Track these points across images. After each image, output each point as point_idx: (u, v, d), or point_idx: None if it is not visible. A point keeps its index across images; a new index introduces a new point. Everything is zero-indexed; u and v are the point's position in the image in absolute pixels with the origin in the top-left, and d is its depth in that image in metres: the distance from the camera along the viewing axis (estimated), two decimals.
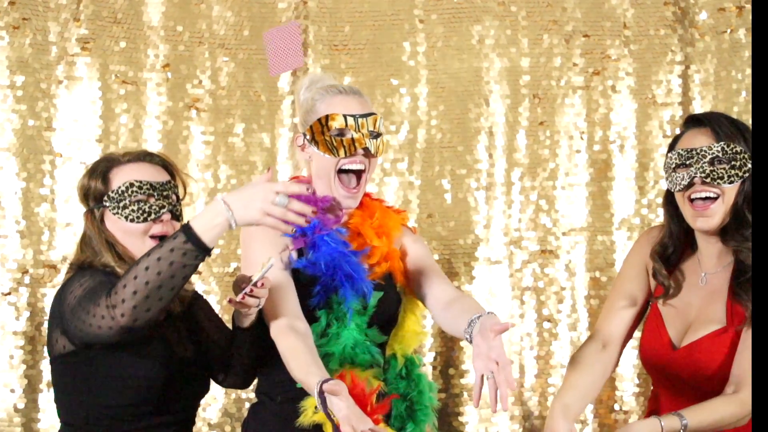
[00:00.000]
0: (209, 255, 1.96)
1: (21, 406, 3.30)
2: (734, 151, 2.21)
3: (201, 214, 1.94)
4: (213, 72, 3.51)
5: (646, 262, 2.40)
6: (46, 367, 3.28)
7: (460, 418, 3.52)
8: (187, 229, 1.92)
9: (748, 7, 3.49)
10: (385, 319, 2.25)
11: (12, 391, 3.30)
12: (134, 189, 2.20)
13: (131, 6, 3.45)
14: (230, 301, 2.03)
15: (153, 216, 2.21)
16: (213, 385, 3.43)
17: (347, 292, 2.13)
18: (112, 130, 3.43)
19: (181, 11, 3.49)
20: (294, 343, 2.04)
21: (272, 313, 2.11)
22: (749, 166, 2.22)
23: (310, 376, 1.96)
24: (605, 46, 3.56)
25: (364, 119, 2.21)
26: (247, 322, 2.17)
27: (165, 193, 2.24)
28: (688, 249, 2.37)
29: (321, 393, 1.90)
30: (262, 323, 2.16)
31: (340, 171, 2.21)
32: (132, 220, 2.20)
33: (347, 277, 2.13)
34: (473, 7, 3.55)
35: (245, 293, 1.99)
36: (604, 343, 2.37)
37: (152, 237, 2.22)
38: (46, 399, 3.28)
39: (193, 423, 2.32)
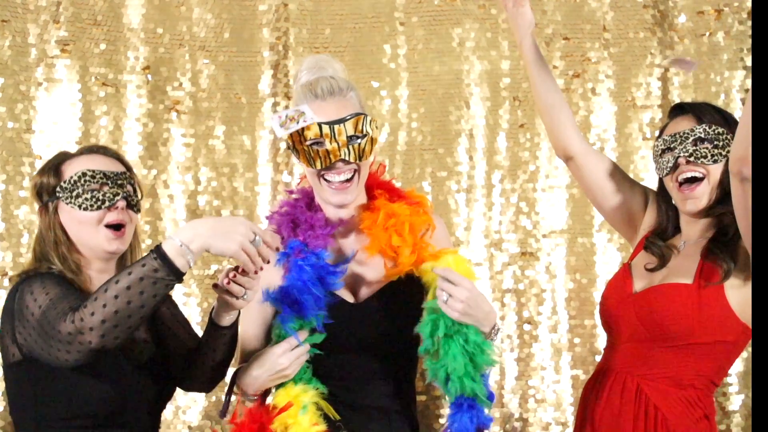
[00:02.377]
0: (181, 282, 1.89)
1: (0, 409, 3.29)
2: (716, 132, 2.28)
3: (173, 238, 1.86)
4: (193, 74, 3.51)
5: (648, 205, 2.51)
6: None
7: (441, 420, 3.52)
8: (159, 256, 1.84)
9: (727, 10, 3.51)
10: (377, 336, 2.16)
11: None
12: (87, 178, 2.15)
13: (111, 8, 3.44)
14: (215, 286, 2.01)
15: (107, 203, 2.15)
16: (194, 392, 3.46)
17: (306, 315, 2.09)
18: (92, 133, 3.43)
19: (162, 13, 3.48)
20: None
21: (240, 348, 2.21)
22: None
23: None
24: (585, 49, 3.57)
25: (341, 125, 2.09)
26: (227, 320, 2.12)
27: (119, 182, 2.18)
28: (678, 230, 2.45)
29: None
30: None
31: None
32: (85, 209, 2.13)
33: (306, 305, 2.09)
34: (453, 10, 3.56)
35: (228, 278, 1.98)
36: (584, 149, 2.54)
37: (107, 226, 2.16)
38: None
39: (158, 426, 2.25)
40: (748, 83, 3.51)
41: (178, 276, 1.85)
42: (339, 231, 2.22)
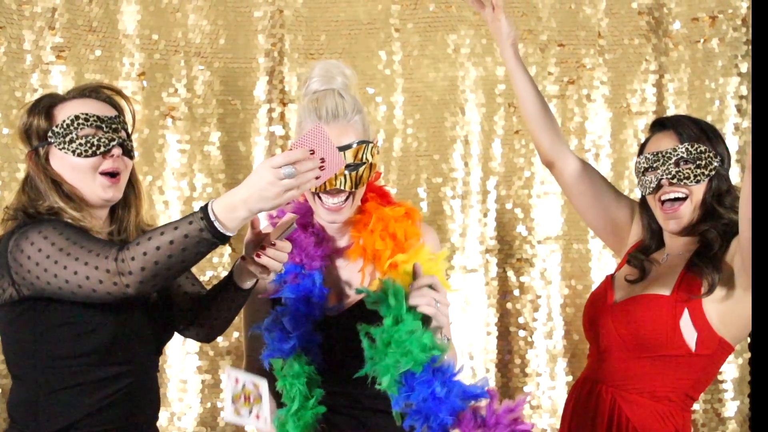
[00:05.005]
0: (225, 244, 1.83)
1: None
2: (698, 150, 2.29)
3: (223, 199, 1.79)
4: (189, 80, 3.51)
5: (634, 219, 2.53)
6: None
7: None
8: (206, 216, 1.78)
9: (721, 17, 3.52)
10: (355, 348, 2.11)
11: None
12: (80, 122, 2.06)
13: (106, 14, 3.44)
14: (243, 258, 1.97)
15: (102, 150, 2.07)
16: (189, 399, 3.47)
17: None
18: None
19: (157, 20, 3.48)
20: None
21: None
22: (715, 164, 2.30)
23: None
24: (580, 56, 3.58)
25: (341, 153, 2.03)
26: (249, 284, 2.08)
27: (114, 127, 2.11)
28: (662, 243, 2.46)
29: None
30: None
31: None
32: (80, 155, 2.05)
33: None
34: (449, 17, 3.57)
35: (258, 252, 1.94)
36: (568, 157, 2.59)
37: (103, 174, 2.09)
38: None
39: (156, 371, 2.19)
40: (743, 90, 3.52)
41: (223, 239, 1.80)
42: (332, 239, 2.23)
